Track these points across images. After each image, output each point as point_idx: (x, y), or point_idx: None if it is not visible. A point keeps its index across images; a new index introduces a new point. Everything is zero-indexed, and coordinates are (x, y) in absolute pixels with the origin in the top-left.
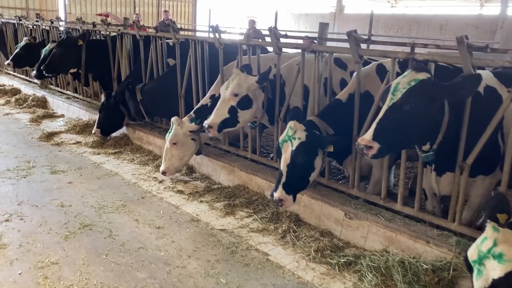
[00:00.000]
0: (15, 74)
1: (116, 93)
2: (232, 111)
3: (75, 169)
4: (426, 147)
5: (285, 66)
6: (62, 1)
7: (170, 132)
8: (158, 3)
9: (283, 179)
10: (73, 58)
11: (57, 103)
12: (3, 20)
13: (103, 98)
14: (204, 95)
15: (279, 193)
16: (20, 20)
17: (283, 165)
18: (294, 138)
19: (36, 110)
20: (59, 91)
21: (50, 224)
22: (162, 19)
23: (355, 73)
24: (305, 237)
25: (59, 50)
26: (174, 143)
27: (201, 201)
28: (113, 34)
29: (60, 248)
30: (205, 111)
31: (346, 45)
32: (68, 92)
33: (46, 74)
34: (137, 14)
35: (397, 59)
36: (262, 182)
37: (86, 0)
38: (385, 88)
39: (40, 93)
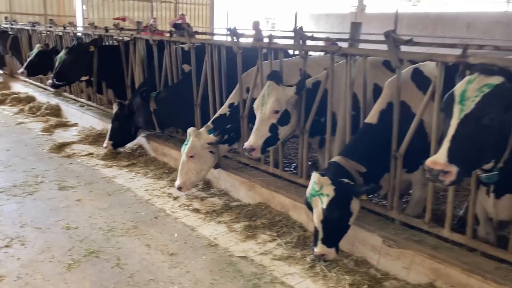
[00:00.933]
0: (30, 81)
1: (130, 102)
2: (273, 128)
3: (85, 184)
4: (488, 165)
5: (324, 72)
6: (80, 6)
7: (186, 144)
8: (176, 7)
9: (321, 235)
10: (84, 65)
11: (70, 111)
12: (17, 27)
13: (115, 107)
14: (221, 103)
15: (319, 249)
16: (34, 26)
17: (316, 221)
18: (322, 195)
19: (49, 119)
20: (73, 99)
21: (53, 250)
22: (179, 23)
23: (386, 83)
24: (337, 267)
25: (69, 57)
26: (191, 156)
27: (219, 222)
28: (126, 39)
29: (62, 281)
30: (224, 121)
31: (376, 46)
32: (82, 100)
33: (56, 83)
34: (154, 18)
35: (444, 63)
36: (285, 200)
37: (104, 5)
38: (447, 98)
39: (54, 101)
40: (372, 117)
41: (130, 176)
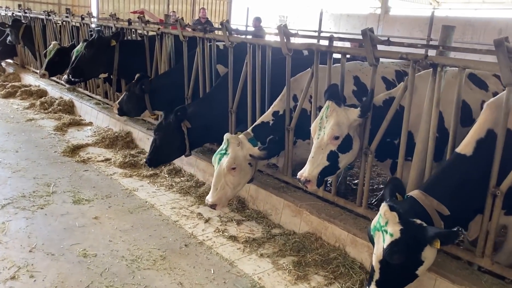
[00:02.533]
0: None
1: (163, 120)
2: (332, 156)
3: (102, 197)
4: None
5: (399, 86)
6: None
7: (223, 153)
8: (193, 1)
9: (376, 276)
10: (104, 62)
11: (85, 108)
12: (31, 15)
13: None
14: (262, 112)
15: None
16: (49, 15)
17: (374, 259)
18: (386, 232)
19: (62, 116)
20: (88, 95)
21: (68, 285)
22: (198, 17)
23: (487, 104)
24: None
25: (89, 51)
26: (233, 168)
27: (262, 255)
28: (151, 33)
29: None
30: (266, 131)
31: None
32: (98, 97)
33: (72, 79)
34: (173, 12)
35: None
36: (341, 233)
37: None
38: None
39: (67, 96)
40: (466, 147)
41: (153, 189)
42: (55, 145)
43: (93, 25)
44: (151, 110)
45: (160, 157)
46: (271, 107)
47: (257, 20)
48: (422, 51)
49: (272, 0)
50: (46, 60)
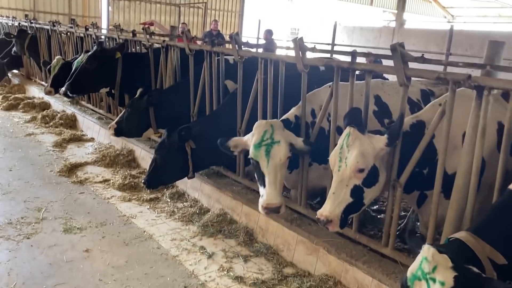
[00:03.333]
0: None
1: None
2: (357, 192)
3: (96, 225)
4: None
5: (428, 108)
6: (106, 7)
7: (271, 143)
8: (204, 13)
9: None
10: (106, 76)
11: (87, 123)
12: (37, 26)
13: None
14: None
15: None
16: (54, 26)
17: None
18: (434, 281)
19: (62, 131)
20: (91, 109)
21: None
22: (209, 29)
23: None
24: None
25: (90, 65)
26: (289, 158)
27: None
28: (156, 45)
29: None
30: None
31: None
32: (101, 111)
33: (70, 94)
34: (183, 23)
35: None
36: (364, 278)
37: (130, 7)
38: None
39: (70, 110)
40: None
41: (152, 216)
42: (52, 163)
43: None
44: (155, 127)
45: (160, 179)
46: (293, 109)
47: (269, 33)
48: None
49: (284, 13)
50: (51, 76)
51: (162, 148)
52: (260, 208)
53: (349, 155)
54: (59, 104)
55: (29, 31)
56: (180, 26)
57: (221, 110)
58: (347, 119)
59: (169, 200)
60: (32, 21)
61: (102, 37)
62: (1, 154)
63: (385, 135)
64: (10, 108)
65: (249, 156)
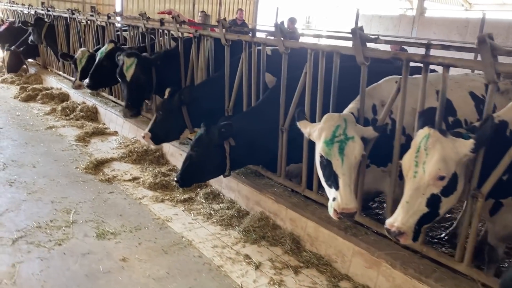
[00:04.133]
0: (64, 75)
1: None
2: (434, 201)
3: (131, 229)
4: None
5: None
6: None
7: (345, 139)
8: (219, 1)
9: None
10: None
11: (109, 116)
12: (54, 14)
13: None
14: None
15: None
16: (73, 14)
17: None
18: None
19: (84, 124)
20: (113, 101)
21: None
22: (234, 18)
23: None
24: None
25: (108, 62)
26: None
27: None
28: (186, 35)
29: None
30: None
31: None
32: (123, 103)
33: (92, 86)
34: (202, 11)
35: None
36: None
37: None
38: None
39: (90, 101)
40: None
41: (189, 219)
42: (76, 159)
43: (118, 25)
44: (191, 127)
45: (194, 177)
46: (352, 104)
47: (291, 22)
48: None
49: (299, 0)
50: (79, 69)
51: (199, 145)
52: (332, 212)
53: (428, 160)
54: (78, 95)
55: (46, 20)
56: (199, 15)
57: (262, 106)
58: (423, 119)
59: (204, 201)
60: (49, 9)
61: (124, 26)
62: (23, 148)
63: (471, 140)
64: (29, 99)
65: (318, 154)
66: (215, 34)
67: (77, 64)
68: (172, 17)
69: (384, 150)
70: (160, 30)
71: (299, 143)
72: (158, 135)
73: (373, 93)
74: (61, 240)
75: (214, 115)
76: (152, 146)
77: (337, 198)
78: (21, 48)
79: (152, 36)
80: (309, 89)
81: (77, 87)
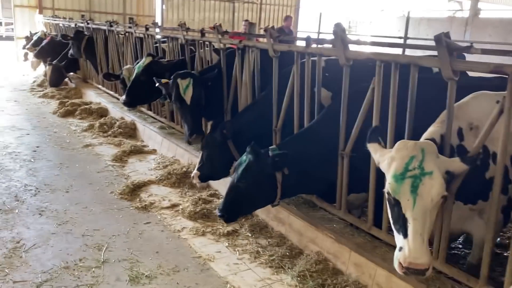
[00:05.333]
0: (104, 89)
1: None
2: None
3: (168, 272)
4: None
5: None
6: (160, 6)
7: (421, 174)
8: (259, 8)
9: None
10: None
11: (148, 133)
12: (93, 26)
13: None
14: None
15: None
16: (111, 26)
17: None
18: None
19: (122, 141)
20: (152, 117)
21: None
22: (281, 26)
23: None
24: None
25: (145, 77)
26: (443, 197)
27: None
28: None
29: None
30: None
31: None
32: (163, 120)
33: (125, 103)
34: (246, 20)
35: None
36: None
37: (184, 5)
38: None
39: (129, 117)
40: None
41: (234, 258)
42: (112, 181)
43: (158, 36)
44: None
45: (241, 210)
46: (433, 127)
47: (339, 27)
48: None
49: (342, 5)
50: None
51: (247, 176)
52: (397, 266)
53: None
54: (117, 110)
55: (86, 32)
56: (243, 24)
57: (318, 127)
58: None
59: (249, 235)
60: (88, 21)
61: (163, 37)
62: (58, 171)
63: None
64: (67, 114)
65: (385, 190)
66: (262, 45)
67: (126, 83)
68: (213, 27)
69: (472, 183)
70: (201, 42)
71: (363, 171)
72: (207, 174)
73: (458, 113)
74: (90, 286)
75: (263, 139)
76: (179, 151)
77: (404, 249)
78: (63, 63)
79: (191, 47)
80: (377, 108)
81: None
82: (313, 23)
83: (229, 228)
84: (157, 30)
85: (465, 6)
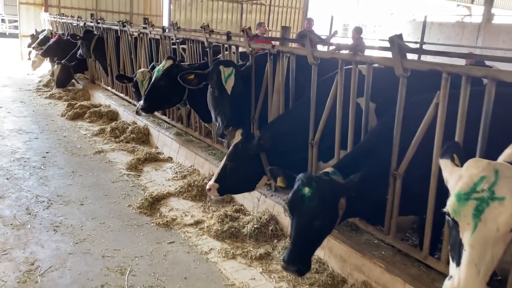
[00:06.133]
0: (113, 91)
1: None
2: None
3: None
4: None
5: None
6: (167, 5)
7: (490, 198)
8: (268, 10)
9: None
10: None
11: (163, 139)
12: (104, 26)
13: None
14: None
15: None
16: (124, 26)
17: None
18: None
19: (136, 148)
20: (166, 122)
21: None
22: (303, 29)
23: None
24: None
25: (164, 82)
26: None
27: None
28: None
29: None
30: None
31: None
32: (179, 125)
33: (143, 109)
34: (261, 23)
35: None
36: None
37: (192, 5)
38: None
39: (142, 122)
40: None
41: (270, 287)
42: (129, 193)
43: (172, 38)
44: None
45: (311, 250)
46: (509, 149)
47: (357, 31)
48: None
49: (350, 8)
50: (142, 92)
51: (308, 209)
52: None
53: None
54: (128, 113)
55: (96, 32)
56: (258, 27)
57: (370, 144)
58: None
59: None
60: (99, 21)
61: (179, 39)
62: (70, 180)
63: None
64: (76, 117)
65: (445, 210)
66: (299, 51)
67: (139, 87)
68: (242, 30)
69: None
70: (226, 45)
71: (415, 192)
72: (228, 187)
73: None
74: None
75: (298, 153)
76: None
77: (453, 278)
78: (72, 63)
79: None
80: (441, 125)
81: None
82: (321, 25)
83: (261, 249)
84: (175, 32)
85: (474, 11)
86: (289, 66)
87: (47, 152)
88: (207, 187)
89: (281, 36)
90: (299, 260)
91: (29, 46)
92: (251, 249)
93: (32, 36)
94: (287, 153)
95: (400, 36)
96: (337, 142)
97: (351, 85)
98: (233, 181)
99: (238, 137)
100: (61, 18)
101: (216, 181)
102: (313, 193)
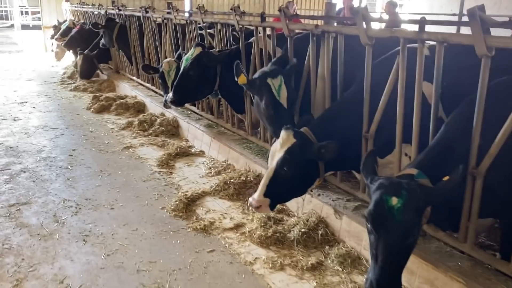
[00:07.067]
0: (139, 81)
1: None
2: None
3: None
4: None
5: None
6: None
7: None
8: None
9: None
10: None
11: (193, 131)
12: (126, 13)
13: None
14: None
15: None
16: (147, 12)
17: None
18: None
19: (166, 142)
20: (196, 113)
21: None
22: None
23: None
24: None
25: (194, 71)
26: None
27: None
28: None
29: None
30: None
31: None
32: (210, 117)
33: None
34: (290, 1)
35: None
36: None
37: None
38: None
39: (171, 113)
40: None
41: None
42: (161, 193)
43: (200, 23)
44: (324, 173)
45: (399, 275)
46: None
47: (392, 5)
48: None
49: None
50: (170, 84)
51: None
52: None
53: None
54: (156, 105)
55: (118, 20)
56: (287, 3)
57: (449, 141)
58: None
59: (340, 269)
60: (120, 8)
61: (208, 24)
62: (98, 180)
63: None
64: (102, 110)
65: None
66: (350, 30)
67: (165, 78)
68: (280, 9)
69: None
70: (260, 28)
71: (496, 193)
72: (281, 198)
73: None
74: None
75: (351, 147)
76: (232, 155)
77: None
78: (94, 52)
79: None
80: None
81: (171, 103)
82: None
83: (312, 258)
84: (203, 16)
85: None
86: (335, 48)
87: (73, 150)
88: (255, 204)
89: (325, 14)
90: (391, 286)
91: (52, 37)
92: (301, 257)
93: (55, 27)
94: (343, 149)
95: (481, 8)
96: (399, 134)
97: (415, 68)
98: (288, 191)
99: (289, 139)
100: (82, 7)
101: (266, 195)
102: (404, 204)
